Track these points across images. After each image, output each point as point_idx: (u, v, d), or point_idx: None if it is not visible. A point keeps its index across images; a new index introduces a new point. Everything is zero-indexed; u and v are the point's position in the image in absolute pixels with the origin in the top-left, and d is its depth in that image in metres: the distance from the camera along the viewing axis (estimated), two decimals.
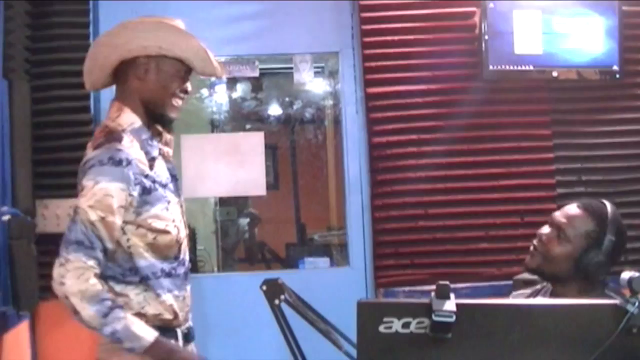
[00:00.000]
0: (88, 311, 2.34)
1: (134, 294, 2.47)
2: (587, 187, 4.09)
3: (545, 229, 2.45)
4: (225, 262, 5.28)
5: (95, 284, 2.36)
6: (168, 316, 2.53)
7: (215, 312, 3.96)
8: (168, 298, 2.53)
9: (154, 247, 2.51)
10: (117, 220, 2.42)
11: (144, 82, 2.58)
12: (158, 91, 2.59)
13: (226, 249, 5.30)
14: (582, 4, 4.02)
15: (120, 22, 2.60)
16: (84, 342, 3.33)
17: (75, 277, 2.34)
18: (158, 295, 2.51)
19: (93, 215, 2.37)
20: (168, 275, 2.54)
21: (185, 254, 2.64)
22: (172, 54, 2.57)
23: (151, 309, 2.49)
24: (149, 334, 2.41)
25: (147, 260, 2.49)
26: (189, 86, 2.68)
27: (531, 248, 2.47)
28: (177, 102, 2.64)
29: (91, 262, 2.36)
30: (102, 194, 2.39)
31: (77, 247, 2.35)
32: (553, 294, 2.44)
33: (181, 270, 2.59)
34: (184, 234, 2.63)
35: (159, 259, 2.53)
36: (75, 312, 2.36)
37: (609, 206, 2.38)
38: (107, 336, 2.38)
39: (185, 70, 2.63)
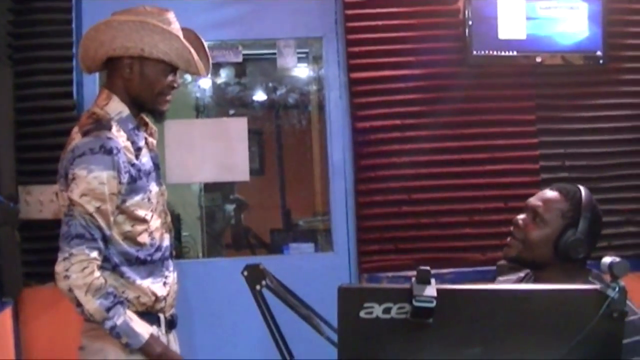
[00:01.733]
0: (92, 304, 2.39)
1: (112, 280, 2.49)
2: (571, 172, 4.09)
3: (521, 215, 2.43)
4: (211, 247, 5.27)
5: (99, 277, 2.40)
6: (147, 299, 2.55)
7: (200, 298, 3.95)
8: (144, 283, 2.55)
9: (129, 235, 2.53)
10: (110, 207, 2.45)
11: (129, 81, 2.59)
12: (144, 90, 2.61)
13: (211, 235, 5.30)
14: None
15: (107, 18, 2.59)
16: (68, 328, 3.33)
17: (80, 270, 2.38)
18: (134, 281, 2.52)
19: (90, 207, 2.41)
20: (143, 262, 2.56)
21: (162, 241, 2.65)
22: (154, 56, 2.57)
23: (131, 293, 2.52)
24: (145, 332, 2.46)
25: (121, 248, 2.51)
26: (177, 80, 2.68)
27: (508, 239, 2.45)
28: (165, 97, 2.65)
29: (94, 254, 2.41)
30: (97, 182, 2.42)
31: (79, 241, 2.40)
32: (536, 282, 2.41)
33: (157, 256, 2.61)
34: (159, 222, 2.65)
35: (133, 247, 2.54)
36: (78, 305, 2.40)
37: (582, 188, 2.38)
38: (106, 330, 2.42)
39: (170, 68, 2.63)
